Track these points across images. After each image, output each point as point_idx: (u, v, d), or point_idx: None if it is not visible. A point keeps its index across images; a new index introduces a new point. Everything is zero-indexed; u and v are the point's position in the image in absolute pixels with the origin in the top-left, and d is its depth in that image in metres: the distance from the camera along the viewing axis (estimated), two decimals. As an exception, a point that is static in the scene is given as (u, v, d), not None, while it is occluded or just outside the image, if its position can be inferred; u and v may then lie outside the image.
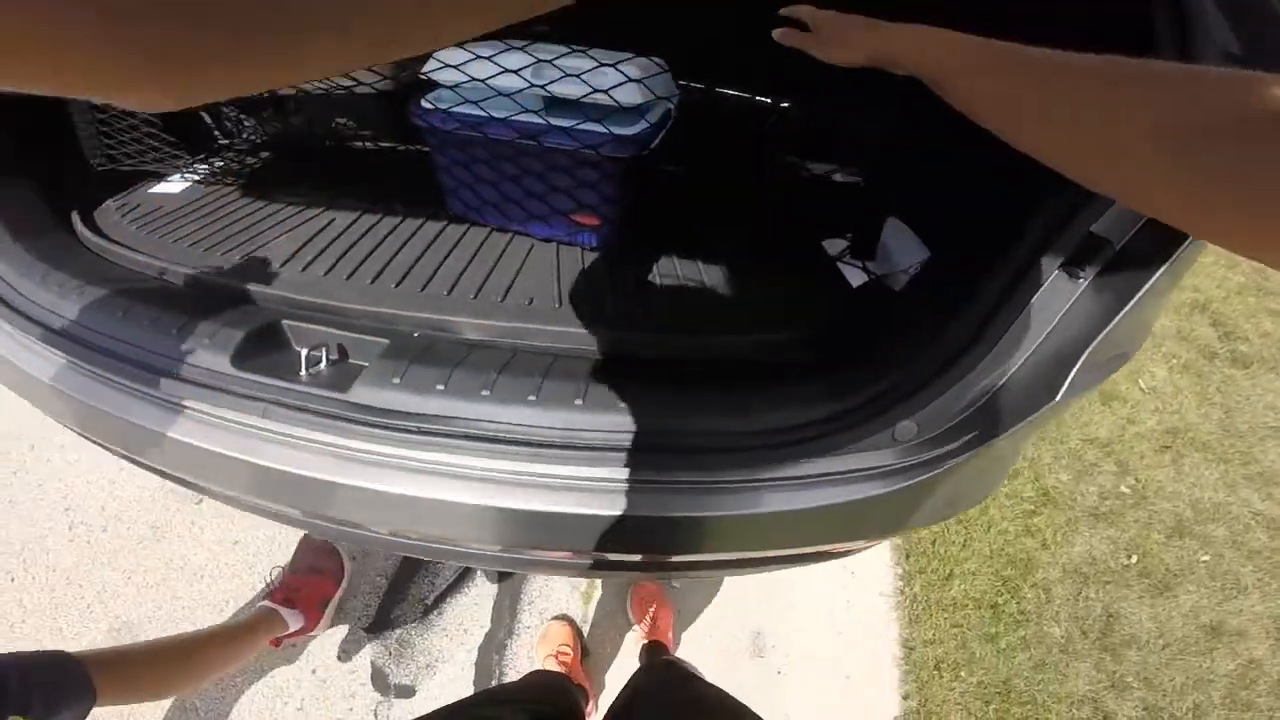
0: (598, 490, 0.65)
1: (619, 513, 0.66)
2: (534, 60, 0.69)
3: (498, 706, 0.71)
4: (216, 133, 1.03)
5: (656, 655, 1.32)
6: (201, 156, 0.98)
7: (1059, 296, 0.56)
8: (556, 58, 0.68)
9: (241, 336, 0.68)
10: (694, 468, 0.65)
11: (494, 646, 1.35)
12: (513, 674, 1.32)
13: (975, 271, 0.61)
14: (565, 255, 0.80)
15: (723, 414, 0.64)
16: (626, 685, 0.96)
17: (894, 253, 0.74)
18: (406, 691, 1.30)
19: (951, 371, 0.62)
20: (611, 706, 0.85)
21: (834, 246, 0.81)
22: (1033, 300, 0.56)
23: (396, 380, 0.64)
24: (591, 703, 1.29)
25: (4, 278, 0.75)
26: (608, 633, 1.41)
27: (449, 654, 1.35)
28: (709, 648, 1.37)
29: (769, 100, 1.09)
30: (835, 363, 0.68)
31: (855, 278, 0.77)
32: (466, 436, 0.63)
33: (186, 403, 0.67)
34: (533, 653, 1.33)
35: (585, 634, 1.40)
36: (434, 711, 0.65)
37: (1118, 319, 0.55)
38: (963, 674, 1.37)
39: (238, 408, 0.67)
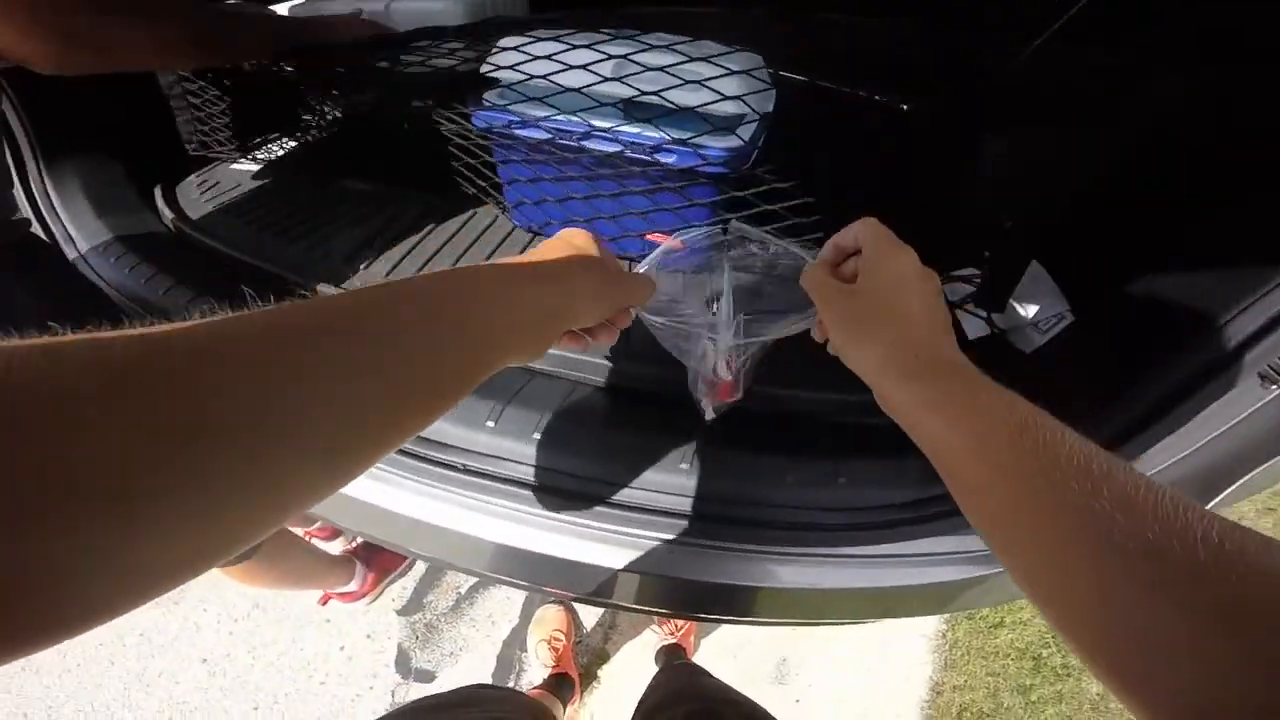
0: (625, 546, 0.62)
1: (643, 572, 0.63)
2: (605, 56, 0.60)
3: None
4: (300, 110, 0.99)
5: (675, 658, 1.30)
6: (279, 136, 0.95)
7: (1242, 400, 0.48)
8: (635, 52, 0.60)
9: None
10: (748, 539, 0.61)
11: (518, 641, 1.35)
12: (531, 671, 1.32)
13: (1138, 356, 0.52)
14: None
15: (797, 485, 0.58)
16: (652, 688, 0.95)
17: (1026, 302, 0.65)
18: (426, 676, 1.32)
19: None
20: (639, 709, 0.83)
21: (955, 292, 0.69)
22: (1210, 407, 0.48)
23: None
24: (577, 694, 1.28)
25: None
26: (620, 626, 1.40)
27: (474, 644, 1.35)
28: (731, 666, 1.35)
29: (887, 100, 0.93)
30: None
31: (974, 329, 0.67)
32: (514, 482, 0.60)
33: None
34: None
35: (588, 623, 1.39)
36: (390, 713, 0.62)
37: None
38: (986, 724, 1.32)
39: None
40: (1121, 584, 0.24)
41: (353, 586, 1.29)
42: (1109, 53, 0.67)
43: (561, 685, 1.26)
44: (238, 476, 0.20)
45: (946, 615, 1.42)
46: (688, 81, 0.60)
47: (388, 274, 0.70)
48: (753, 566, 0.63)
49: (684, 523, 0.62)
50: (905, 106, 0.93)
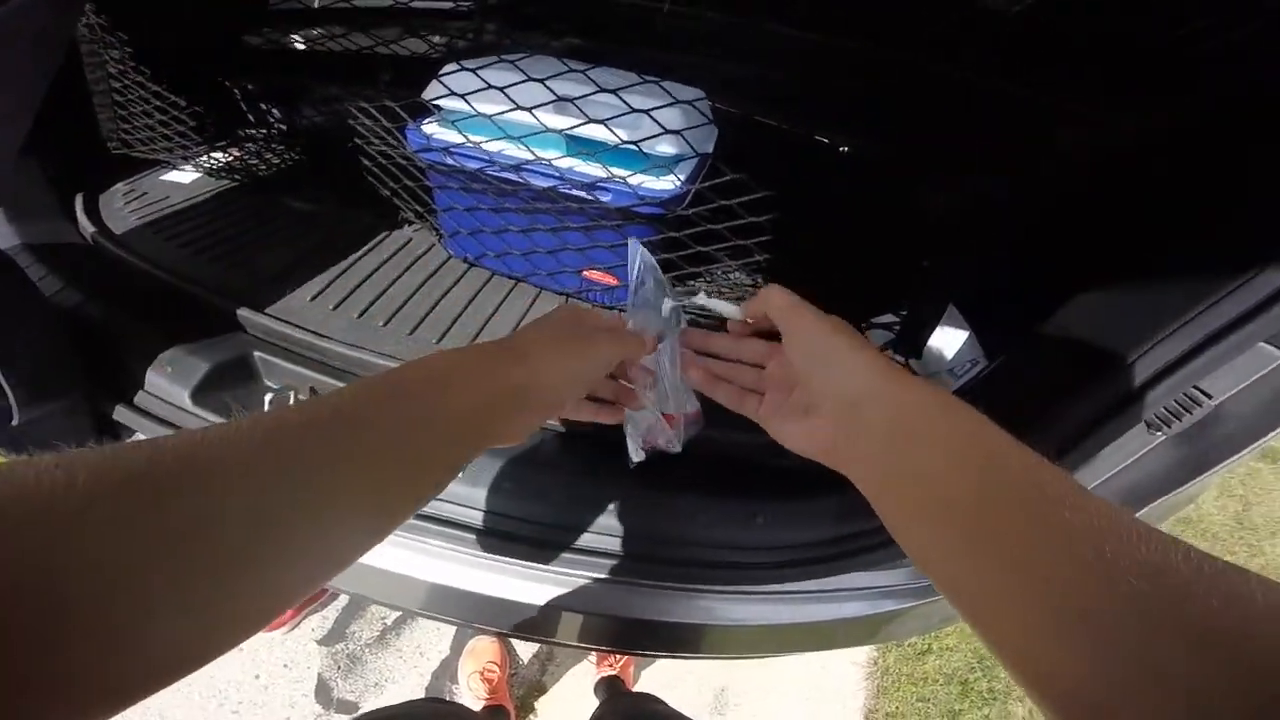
0: (548, 583, 0.62)
1: (565, 608, 0.62)
2: (555, 98, 0.61)
3: None
4: (250, 117, 0.95)
5: (615, 690, 1.28)
6: (220, 144, 0.91)
7: (1131, 444, 0.51)
8: (581, 97, 0.61)
9: (207, 369, 0.62)
10: (670, 577, 0.61)
11: (448, 673, 1.30)
12: (463, 703, 1.27)
13: (1044, 399, 0.55)
14: (570, 308, 0.75)
15: (720, 526, 0.59)
16: (600, 715, 0.92)
17: (941, 350, 0.67)
18: (349, 707, 1.25)
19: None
20: None
21: (874, 339, 0.72)
22: (1103, 451, 0.51)
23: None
24: None
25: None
26: (558, 657, 1.37)
27: (400, 675, 1.30)
28: (670, 697, 1.33)
29: (825, 140, 0.98)
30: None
31: None
32: (430, 519, 0.58)
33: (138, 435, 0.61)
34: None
35: (524, 655, 1.36)
36: None
37: (1195, 482, 0.50)
38: (919, 750, 1.35)
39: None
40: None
41: (271, 617, 1.22)
42: (1036, 92, 0.71)
43: (496, 718, 1.22)
44: (230, 575, 0.22)
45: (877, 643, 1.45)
46: (633, 110, 0.60)
47: (313, 299, 0.68)
48: (674, 603, 0.63)
49: (609, 561, 0.61)
50: (844, 149, 0.98)
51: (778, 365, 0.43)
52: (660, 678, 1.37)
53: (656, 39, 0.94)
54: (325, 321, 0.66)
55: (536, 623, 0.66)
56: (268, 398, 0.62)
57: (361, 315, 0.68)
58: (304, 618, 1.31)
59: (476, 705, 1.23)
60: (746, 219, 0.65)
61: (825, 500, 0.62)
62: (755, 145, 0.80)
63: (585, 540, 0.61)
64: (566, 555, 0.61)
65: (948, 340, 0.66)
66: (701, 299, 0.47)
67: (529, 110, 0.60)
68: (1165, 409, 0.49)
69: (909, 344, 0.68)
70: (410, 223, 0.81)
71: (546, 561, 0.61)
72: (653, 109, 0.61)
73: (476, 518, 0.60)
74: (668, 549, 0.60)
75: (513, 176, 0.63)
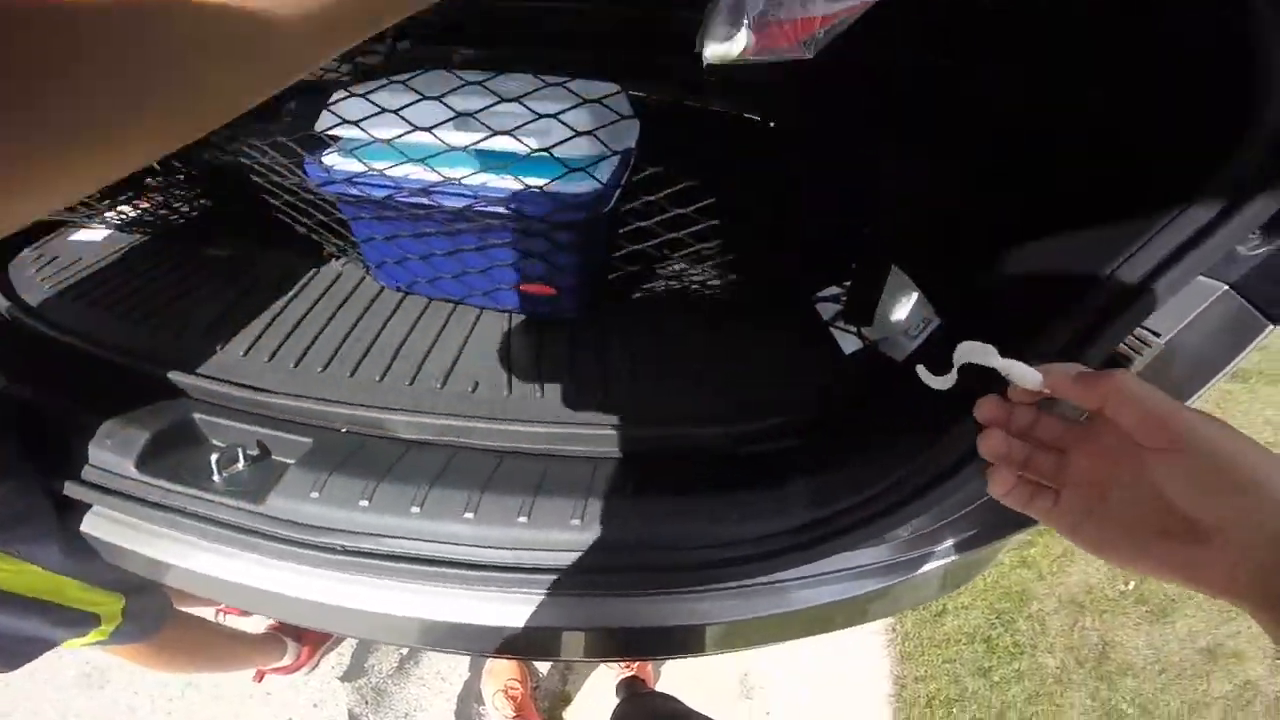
0: (533, 605, 0.60)
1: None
2: (454, 114, 0.58)
3: None
4: (153, 164, 0.93)
5: (636, 689, 1.28)
6: (124, 196, 0.88)
7: None
8: (482, 110, 0.58)
9: (147, 438, 0.61)
10: (656, 585, 0.59)
11: (473, 695, 1.31)
12: (491, 723, 1.28)
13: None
14: (516, 325, 0.73)
15: (691, 524, 0.58)
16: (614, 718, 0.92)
17: (890, 312, 0.65)
18: (383, 741, 1.26)
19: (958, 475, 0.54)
20: None
21: (828, 310, 0.71)
22: None
23: (315, 494, 0.57)
24: None
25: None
26: (577, 665, 1.37)
27: (426, 703, 1.30)
28: (694, 689, 1.33)
29: (755, 117, 0.96)
30: (824, 455, 0.61)
31: (848, 344, 0.68)
32: (394, 557, 0.57)
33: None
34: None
35: (543, 667, 1.36)
36: None
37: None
38: (955, 710, 1.33)
39: (146, 517, 0.60)
40: None
41: (286, 661, 1.23)
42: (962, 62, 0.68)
43: (526, 735, 1.22)
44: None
45: (895, 609, 1.43)
46: (542, 116, 0.58)
47: (245, 353, 0.67)
48: (665, 608, 0.62)
49: (590, 575, 0.60)
50: (771, 124, 0.95)
51: (1087, 458, 0.35)
52: (682, 670, 1.37)
53: (577, 39, 0.91)
54: (262, 375, 0.65)
55: (535, 645, 0.65)
56: (213, 458, 0.61)
57: (298, 364, 0.67)
58: (321, 656, 1.32)
59: (505, 723, 1.23)
60: (674, 212, 0.63)
61: (796, 485, 0.60)
62: (688, 132, 0.77)
63: (563, 559, 0.60)
64: (546, 576, 0.60)
65: (897, 303, 0.63)
66: (995, 358, 0.38)
67: (428, 130, 0.58)
68: (1117, 353, 0.47)
69: (859, 312, 0.65)
70: (336, 257, 0.79)
71: (534, 585, 0.60)
72: (559, 112, 0.58)
73: (434, 549, 0.59)
74: (648, 554, 0.59)
75: (423, 200, 0.61)
